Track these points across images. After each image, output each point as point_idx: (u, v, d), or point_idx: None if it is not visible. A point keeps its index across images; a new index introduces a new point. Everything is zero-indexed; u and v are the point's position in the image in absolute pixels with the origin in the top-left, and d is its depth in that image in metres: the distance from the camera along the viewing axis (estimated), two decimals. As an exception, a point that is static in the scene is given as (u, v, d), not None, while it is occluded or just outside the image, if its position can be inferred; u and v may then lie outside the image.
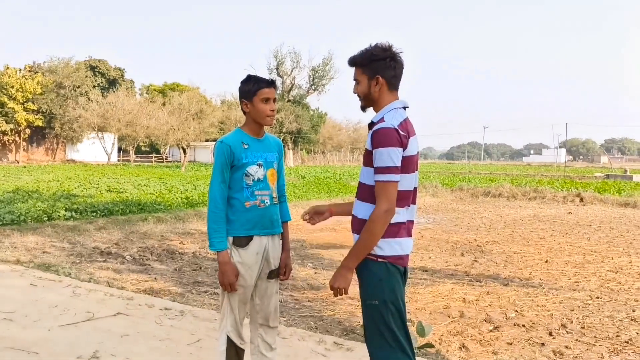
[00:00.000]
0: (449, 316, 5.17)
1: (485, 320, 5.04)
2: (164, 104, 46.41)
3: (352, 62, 2.54)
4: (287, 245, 3.11)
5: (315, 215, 2.89)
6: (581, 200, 18.80)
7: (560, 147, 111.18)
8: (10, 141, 49.98)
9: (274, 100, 2.94)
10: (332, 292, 2.47)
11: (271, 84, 2.93)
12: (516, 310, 5.39)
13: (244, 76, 3.00)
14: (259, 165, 2.93)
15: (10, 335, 4.19)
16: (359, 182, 2.54)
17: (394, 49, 2.47)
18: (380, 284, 2.37)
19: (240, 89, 2.96)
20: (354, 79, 2.56)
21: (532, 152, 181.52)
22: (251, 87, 2.90)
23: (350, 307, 5.39)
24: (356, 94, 2.57)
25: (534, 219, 13.69)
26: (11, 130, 47.84)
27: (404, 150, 2.36)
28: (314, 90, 60.66)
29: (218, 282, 2.91)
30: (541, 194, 19.91)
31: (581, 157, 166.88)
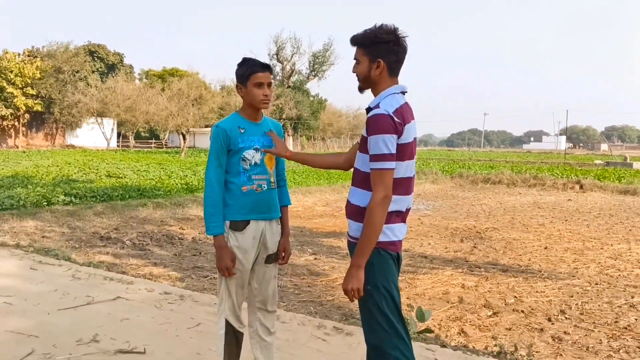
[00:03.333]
0: (448, 302, 5.18)
1: (484, 306, 5.05)
2: (163, 90, 46.18)
3: (355, 41, 2.46)
4: (286, 230, 3.08)
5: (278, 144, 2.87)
6: (581, 187, 18.79)
7: (560, 134, 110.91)
8: (10, 126, 49.84)
9: (269, 84, 2.87)
10: (346, 295, 2.35)
11: (265, 67, 2.86)
12: (515, 296, 5.41)
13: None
14: (256, 149, 2.89)
15: (10, 319, 4.20)
16: (354, 168, 2.50)
17: (398, 33, 2.39)
18: (372, 269, 2.34)
19: (236, 73, 2.90)
20: (355, 59, 2.48)
21: (532, 139, 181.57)
22: (245, 71, 2.85)
23: (349, 292, 5.39)
24: (355, 74, 2.50)
25: (533, 206, 13.70)
26: (10, 115, 47.68)
27: (399, 138, 2.30)
28: (314, 76, 60.49)
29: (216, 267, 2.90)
30: (541, 181, 19.91)
31: (581, 144, 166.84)
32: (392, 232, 2.38)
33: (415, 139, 2.42)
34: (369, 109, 2.40)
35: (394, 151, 2.29)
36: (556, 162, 41.06)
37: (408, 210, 2.48)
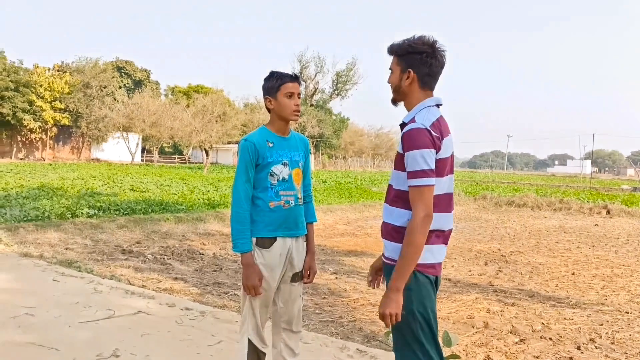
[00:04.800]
0: (473, 327, 5.05)
1: (511, 332, 4.91)
2: (188, 106, 46.86)
3: (390, 49, 2.40)
4: (312, 248, 3.01)
5: (376, 274, 2.64)
6: (608, 212, 18.40)
7: (585, 158, 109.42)
8: (38, 139, 50.88)
9: (299, 95, 2.86)
10: (382, 320, 2.23)
11: (295, 78, 2.85)
12: (543, 323, 5.25)
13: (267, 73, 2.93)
14: (284, 164, 2.85)
15: (31, 331, 4.19)
16: (389, 185, 2.41)
17: (436, 45, 2.32)
18: (409, 294, 2.22)
19: (263, 86, 2.88)
20: (390, 68, 2.43)
21: (556, 162, 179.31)
22: (274, 82, 2.82)
23: (371, 313, 5.30)
24: (389, 84, 2.43)
25: (559, 230, 13.42)
26: (39, 128, 48.69)
27: (437, 152, 2.22)
28: (337, 95, 60.88)
29: (239, 284, 2.85)
30: (567, 205, 19.54)
31: (607, 168, 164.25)
32: (431, 254, 2.27)
33: (452, 153, 2.34)
34: (403, 124, 2.33)
35: (433, 166, 2.20)
36: (582, 187, 40.38)
37: (450, 231, 2.37)
